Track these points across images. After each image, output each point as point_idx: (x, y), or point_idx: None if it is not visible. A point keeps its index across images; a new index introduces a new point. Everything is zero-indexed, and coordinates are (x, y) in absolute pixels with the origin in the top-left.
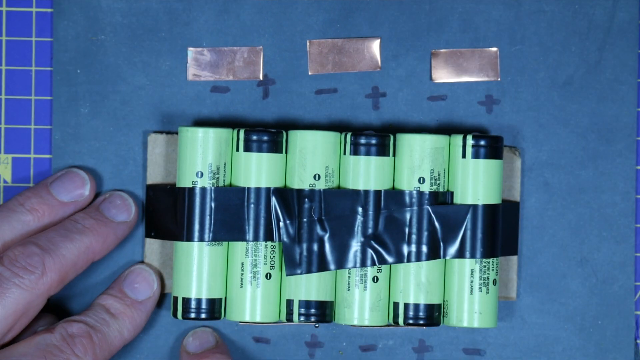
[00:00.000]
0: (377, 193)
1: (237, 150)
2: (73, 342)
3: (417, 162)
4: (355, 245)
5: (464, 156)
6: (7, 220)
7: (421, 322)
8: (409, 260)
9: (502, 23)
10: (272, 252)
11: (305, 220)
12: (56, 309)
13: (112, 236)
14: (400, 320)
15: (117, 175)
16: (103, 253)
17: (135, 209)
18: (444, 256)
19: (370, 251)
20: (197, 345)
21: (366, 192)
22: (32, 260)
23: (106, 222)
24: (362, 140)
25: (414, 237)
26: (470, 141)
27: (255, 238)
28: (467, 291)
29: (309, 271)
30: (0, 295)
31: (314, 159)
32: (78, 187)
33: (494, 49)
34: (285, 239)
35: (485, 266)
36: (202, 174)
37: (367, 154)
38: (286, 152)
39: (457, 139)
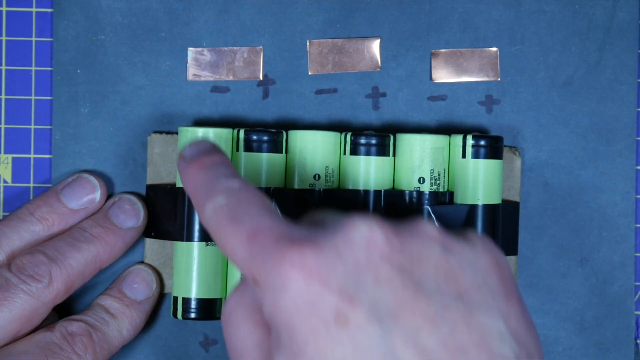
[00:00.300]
0: (377, 193)
1: (237, 150)
2: (73, 341)
3: (417, 162)
4: None
5: (464, 156)
6: (16, 230)
7: None
8: None
9: (502, 23)
10: None
11: None
12: (55, 308)
13: (120, 244)
14: None
15: (117, 175)
16: (111, 261)
17: (144, 213)
18: None
19: None
20: (193, 152)
21: (366, 192)
22: (40, 269)
23: (114, 230)
24: (362, 140)
25: None
26: (470, 141)
27: None
28: None
29: None
30: (8, 300)
31: (314, 159)
32: (88, 193)
33: (494, 49)
34: None
35: None
36: None
37: (367, 154)
38: (286, 152)
39: (457, 139)
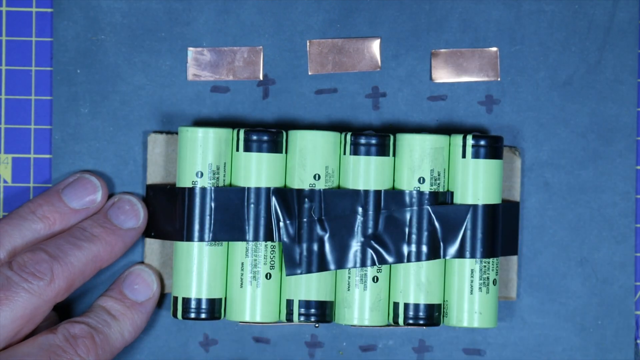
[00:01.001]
0: (377, 193)
1: (237, 150)
2: (76, 343)
3: (417, 162)
4: (355, 245)
5: (464, 156)
6: (18, 228)
7: (421, 322)
8: (409, 260)
9: (502, 23)
10: (272, 252)
11: (305, 220)
12: (56, 309)
13: (120, 244)
14: (400, 320)
15: (117, 175)
16: (111, 261)
17: (144, 214)
18: (444, 256)
19: (370, 251)
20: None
21: (366, 192)
22: (41, 267)
23: (114, 230)
24: (362, 140)
25: (414, 237)
26: (470, 141)
27: (255, 238)
28: (467, 291)
29: (309, 271)
30: (10, 299)
31: (314, 159)
32: (90, 193)
33: (494, 49)
34: (285, 239)
35: (485, 266)
36: (202, 174)
37: (367, 154)
38: (286, 152)
39: (457, 139)
